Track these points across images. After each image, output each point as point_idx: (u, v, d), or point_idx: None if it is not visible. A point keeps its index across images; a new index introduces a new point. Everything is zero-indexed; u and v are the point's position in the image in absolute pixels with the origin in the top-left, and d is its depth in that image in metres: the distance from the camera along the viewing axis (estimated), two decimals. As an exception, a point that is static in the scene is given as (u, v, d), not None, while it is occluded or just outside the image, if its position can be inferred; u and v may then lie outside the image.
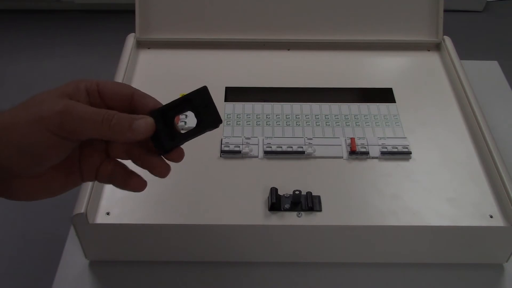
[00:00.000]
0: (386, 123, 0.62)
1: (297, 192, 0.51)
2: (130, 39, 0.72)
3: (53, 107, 0.32)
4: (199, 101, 0.35)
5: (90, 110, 0.33)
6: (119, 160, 0.37)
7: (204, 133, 0.36)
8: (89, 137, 0.33)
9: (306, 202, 0.52)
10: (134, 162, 0.36)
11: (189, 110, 0.36)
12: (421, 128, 0.62)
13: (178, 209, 0.52)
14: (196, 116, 0.36)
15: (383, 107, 0.64)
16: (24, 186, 0.34)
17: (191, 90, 0.35)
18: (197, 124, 0.36)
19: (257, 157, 0.58)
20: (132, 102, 0.36)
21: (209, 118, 0.35)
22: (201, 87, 0.35)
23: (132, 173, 0.37)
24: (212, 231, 0.52)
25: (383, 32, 0.73)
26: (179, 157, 0.36)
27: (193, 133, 0.36)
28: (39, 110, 0.32)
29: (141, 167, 0.36)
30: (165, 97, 0.64)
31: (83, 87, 0.35)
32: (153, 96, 0.36)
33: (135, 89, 0.36)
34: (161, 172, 0.36)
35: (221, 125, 0.61)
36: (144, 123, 0.34)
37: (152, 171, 0.36)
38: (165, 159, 0.36)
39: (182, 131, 0.36)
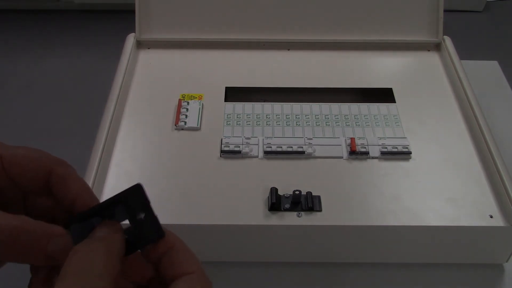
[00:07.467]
0: (386, 123, 0.62)
1: (297, 192, 0.51)
2: (130, 39, 0.72)
3: None
4: (132, 205, 0.26)
5: None
6: None
7: (141, 248, 0.26)
8: None
9: (306, 202, 0.52)
10: None
11: (121, 217, 0.26)
12: (421, 128, 0.62)
13: (178, 209, 0.52)
14: (131, 223, 0.26)
15: (383, 107, 0.64)
16: None
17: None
18: (132, 236, 0.26)
19: (257, 157, 0.58)
20: (50, 182, 0.27)
21: (146, 229, 0.26)
22: (134, 185, 0.26)
23: None
24: (212, 231, 0.52)
25: (383, 32, 0.73)
26: None
27: (128, 250, 0.26)
28: None
29: None
30: (165, 97, 0.65)
31: None
32: (80, 180, 0.27)
33: (55, 165, 0.27)
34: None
35: (221, 125, 0.61)
36: (62, 247, 0.24)
37: None
38: None
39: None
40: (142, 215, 0.26)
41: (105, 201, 0.26)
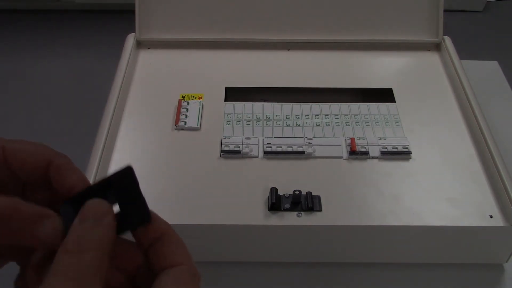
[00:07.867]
0: (386, 123, 0.62)
1: (297, 192, 0.51)
2: (130, 39, 0.72)
3: None
4: (121, 188, 0.26)
5: None
6: None
7: (126, 232, 0.26)
8: None
9: (306, 202, 0.52)
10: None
11: (112, 200, 0.26)
12: (421, 128, 0.62)
13: (178, 209, 0.52)
14: (119, 205, 0.26)
15: (383, 107, 0.64)
16: None
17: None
18: (119, 219, 0.25)
19: (257, 157, 0.58)
20: (48, 173, 0.27)
21: (134, 213, 0.25)
22: (124, 167, 0.26)
23: None
24: (212, 231, 0.52)
25: (383, 32, 0.73)
26: None
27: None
28: None
29: None
30: (165, 97, 0.65)
31: None
32: (77, 171, 0.27)
33: (53, 157, 0.27)
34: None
35: (221, 125, 0.61)
36: (52, 229, 0.25)
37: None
38: None
39: None
40: (131, 198, 0.26)
41: (96, 183, 0.26)
